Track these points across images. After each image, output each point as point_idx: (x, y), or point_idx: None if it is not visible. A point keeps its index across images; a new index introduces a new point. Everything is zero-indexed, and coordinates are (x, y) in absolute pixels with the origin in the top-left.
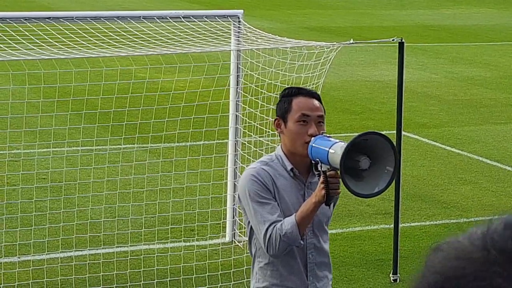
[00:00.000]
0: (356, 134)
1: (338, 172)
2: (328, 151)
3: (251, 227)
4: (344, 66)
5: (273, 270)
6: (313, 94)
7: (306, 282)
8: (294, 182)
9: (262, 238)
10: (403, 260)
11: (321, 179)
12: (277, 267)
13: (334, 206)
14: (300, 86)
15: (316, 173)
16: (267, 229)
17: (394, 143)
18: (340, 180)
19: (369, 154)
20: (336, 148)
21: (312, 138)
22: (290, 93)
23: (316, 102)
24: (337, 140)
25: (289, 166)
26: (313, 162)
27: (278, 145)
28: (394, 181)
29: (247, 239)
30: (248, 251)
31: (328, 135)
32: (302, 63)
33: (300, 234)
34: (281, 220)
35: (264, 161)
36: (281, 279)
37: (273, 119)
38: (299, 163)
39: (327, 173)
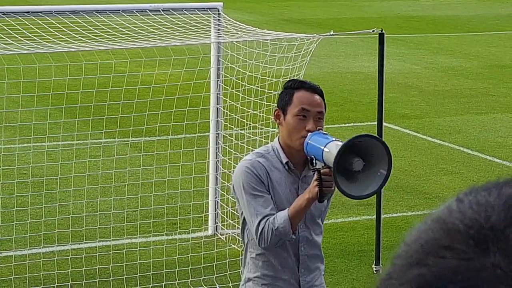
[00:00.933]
0: (350, 136)
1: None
2: (323, 149)
3: (244, 217)
4: (324, 58)
5: (264, 261)
6: (315, 89)
7: (297, 273)
8: (288, 175)
9: (254, 231)
10: (385, 251)
11: (315, 176)
12: (268, 258)
13: (329, 201)
14: (304, 80)
15: (311, 168)
16: (259, 222)
17: (376, 135)
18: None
19: (364, 156)
20: (331, 147)
21: (309, 134)
22: (292, 86)
23: (317, 98)
24: (333, 138)
25: (284, 159)
26: (308, 157)
27: (276, 135)
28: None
29: (239, 229)
30: (241, 240)
31: (324, 132)
32: (282, 55)
33: (292, 229)
34: (274, 214)
35: (260, 153)
36: (273, 270)
37: (273, 110)
38: (294, 156)
39: (321, 171)
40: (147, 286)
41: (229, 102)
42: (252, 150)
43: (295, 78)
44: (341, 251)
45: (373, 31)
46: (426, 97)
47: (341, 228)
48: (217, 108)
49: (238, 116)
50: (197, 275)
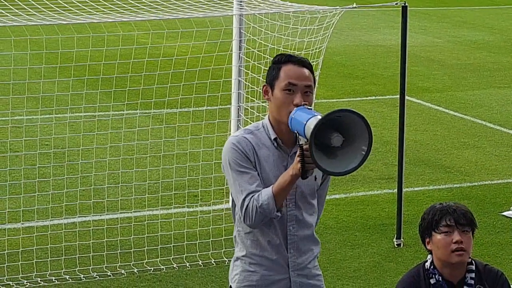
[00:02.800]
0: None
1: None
2: (305, 124)
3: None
4: (347, 31)
5: (253, 240)
6: (303, 63)
7: (286, 254)
8: (277, 152)
9: (239, 208)
10: (406, 225)
11: (298, 152)
12: (257, 237)
13: (325, 181)
14: (292, 53)
15: (297, 144)
16: (244, 199)
17: (398, 108)
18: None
19: (343, 132)
20: (311, 122)
21: (294, 109)
22: (279, 60)
23: (305, 71)
24: (316, 113)
25: (273, 135)
26: (294, 133)
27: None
28: (397, 147)
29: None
30: (232, 218)
31: (309, 107)
32: (304, 27)
33: (276, 206)
34: (259, 191)
35: (249, 129)
36: (260, 249)
37: (262, 86)
38: (284, 132)
39: (304, 147)
40: (168, 258)
41: (251, 75)
42: None
43: (281, 53)
44: (362, 224)
45: (396, 4)
46: (448, 70)
47: (363, 202)
48: (239, 81)
49: (260, 89)
50: (218, 247)
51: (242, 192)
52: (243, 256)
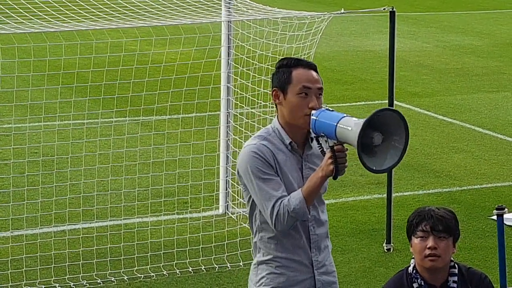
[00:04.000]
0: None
1: (345, 146)
2: (336, 125)
3: (252, 202)
4: (335, 36)
5: (277, 243)
6: (311, 66)
7: (310, 254)
8: (292, 156)
9: (269, 215)
10: (396, 230)
11: (329, 153)
12: (281, 240)
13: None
14: (298, 58)
15: (317, 146)
16: (273, 205)
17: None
18: (347, 154)
19: (381, 129)
20: (347, 123)
21: (314, 112)
22: (289, 64)
23: (315, 74)
24: (344, 114)
25: (287, 139)
26: (313, 135)
27: (273, 115)
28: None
29: (247, 213)
30: (249, 226)
31: (330, 109)
32: (293, 33)
33: (308, 209)
34: (286, 196)
35: (262, 136)
36: (286, 252)
37: (271, 90)
38: (296, 135)
39: (335, 148)
40: (158, 265)
41: (240, 81)
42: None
43: (287, 57)
44: (352, 229)
45: (384, 9)
46: (437, 75)
47: (352, 207)
48: (228, 87)
49: (249, 95)
50: (208, 254)
51: (270, 199)
52: (268, 260)
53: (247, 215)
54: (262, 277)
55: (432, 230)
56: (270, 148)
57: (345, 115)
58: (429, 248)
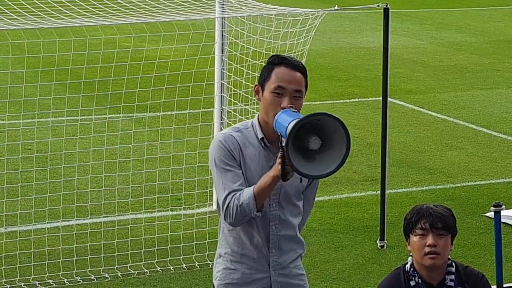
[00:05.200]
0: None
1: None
2: (286, 127)
3: None
4: (329, 33)
5: (235, 237)
6: (296, 66)
7: (268, 253)
8: (264, 152)
9: (221, 206)
10: (390, 227)
11: (279, 154)
12: (239, 235)
13: (313, 183)
14: (286, 55)
15: (279, 146)
16: (226, 197)
17: (380, 110)
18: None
19: (322, 136)
20: (291, 125)
21: (278, 112)
22: (273, 62)
23: (297, 75)
24: (298, 117)
25: (260, 135)
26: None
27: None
28: (380, 148)
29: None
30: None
31: (294, 110)
32: (287, 30)
33: (257, 207)
34: (241, 189)
35: (237, 127)
36: (242, 247)
37: (254, 85)
38: (271, 133)
39: (285, 148)
40: (151, 261)
41: (234, 78)
42: None
43: (278, 54)
44: (346, 226)
45: (378, 6)
46: (431, 72)
47: (346, 204)
48: (222, 84)
49: (243, 92)
50: (201, 250)
51: (224, 190)
52: (225, 253)
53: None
54: (218, 271)
55: (431, 227)
56: (238, 139)
57: (299, 117)
58: (428, 245)
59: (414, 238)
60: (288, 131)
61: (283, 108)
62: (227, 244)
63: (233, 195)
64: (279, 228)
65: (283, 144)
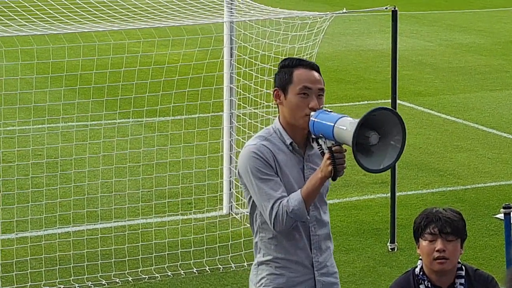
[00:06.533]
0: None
1: (343, 147)
2: (333, 126)
3: (252, 202)
4: (338, 36)
5: (277, 244)
6: (313, 66)
7: (311, 255)
8: (293, 156)
9: (268, 215)
10: (400, 229)
11: (327, 155)
12: (281, 241)
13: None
14: (300, 58)
15: (317, 147)
16: (272, 206)
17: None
18: (346, 155)
19: (377, 129)
20: (343, 124)
21: (313, 113)
22: (290, 64)
23: (316, 75)
24: (341, 115)
25: (288, 140)
26: (313, 136)
27: (276, 116)
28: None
29: (248, 213)
30: (250, 226)
31: (328, 110)
32: (295, 33)
33: (307, 210)
34: (285, 196)
35: (263, 136)
36: (286, 253)
37: (272, 90)
38: (297, 136)
39: (333, 149)
40: (162, 266)
41: (243, 81)
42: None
43: (290, 57)
44: (356, 229)
45: (386, 8)
46: (440, 74)
47: (356, 207)
48: (231, 88)
49: (252, 95)
50: (212, 254)
51: (269, 200)
52: (268, 260)
53: (249, 216)
54: (262, 278)
55: (440, 232)
56: (270, 148)
57: (342, 115)
58: (437, 250)
59: (424, 243)
60: (344, 129)
61: (312, 108)
62: (268, 252)
63: (280, 203)
64: (317, 228)
65: (327, 145)
